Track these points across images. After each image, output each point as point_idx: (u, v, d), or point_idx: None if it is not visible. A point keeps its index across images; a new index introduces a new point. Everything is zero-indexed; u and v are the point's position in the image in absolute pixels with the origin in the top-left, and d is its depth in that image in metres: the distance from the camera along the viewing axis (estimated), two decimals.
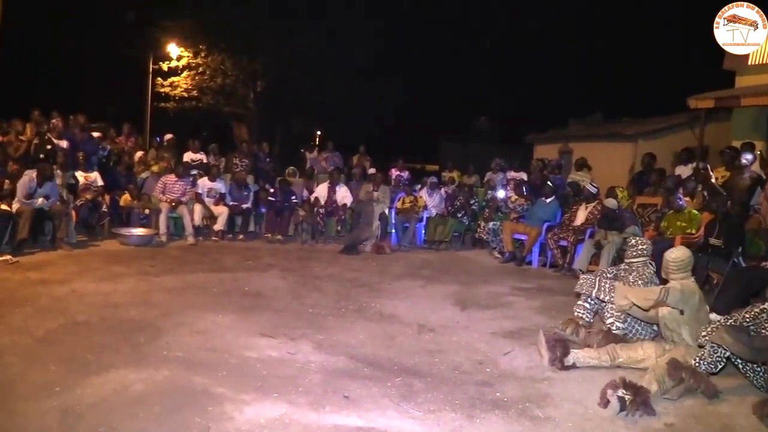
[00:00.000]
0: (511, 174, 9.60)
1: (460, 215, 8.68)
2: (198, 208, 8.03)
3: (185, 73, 17.78)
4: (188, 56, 17.66)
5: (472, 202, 8.83)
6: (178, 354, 3.47)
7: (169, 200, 7.93)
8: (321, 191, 8.77)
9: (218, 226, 8.10)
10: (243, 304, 4.71)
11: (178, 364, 3.31)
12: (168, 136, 10.11)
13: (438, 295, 5.38)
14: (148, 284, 5.21)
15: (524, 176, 9.27)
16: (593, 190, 7.25)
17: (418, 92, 21.86)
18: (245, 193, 8.59)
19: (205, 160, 9.74)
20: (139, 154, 9.53)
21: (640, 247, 4.01)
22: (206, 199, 8.28)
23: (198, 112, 18.15)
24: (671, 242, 5.34)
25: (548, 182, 8.04)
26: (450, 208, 8.79)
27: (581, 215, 7.11)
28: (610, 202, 6.76)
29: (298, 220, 8.41)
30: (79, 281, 5.18)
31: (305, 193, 9.04)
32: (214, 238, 8.04)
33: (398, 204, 8.79)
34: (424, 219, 8.63)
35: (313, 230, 8.38)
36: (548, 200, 7.64)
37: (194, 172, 9.25)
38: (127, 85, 17.69)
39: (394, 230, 8.61)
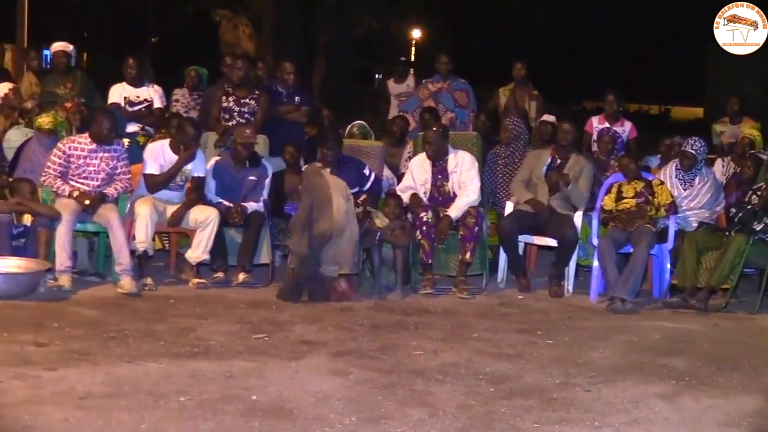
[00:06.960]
0: None
1: (758, 227, 8.53)
2: (145, 210, 8.15)
3: None
4: None
5: None
6: None
7: (77, 195, 8.15)
8: (418, 170, 8.91)
9: (196, 252, 8.32)
10: (250, 431, 4.82)
11: None
12: (57, 46, 10.54)
13: (710, 419, 5.42)
14: (31, 386, 5.35)
15: None
16: None
17: None
18: (251, 177, 8.76)
19: (158, 104, 10.14)
20: (2, 88, 10.02)
21: None
22: (165, 192, 8.53)
23: None
24: None
25: None
26: (734, 210, 8.72)
27: None
28: None
29: (372, 239, 8.51)
30: None
31: (387, 175, 9.19)
32: (184, 277, 8.38)
33: (606, 200, 8.93)
34: (671, 237, 8.65)
35: (405, 263, 8.51)
36: None
37: (133, 129, 9.61)
38: None
39: (597, 261, 8.65)
